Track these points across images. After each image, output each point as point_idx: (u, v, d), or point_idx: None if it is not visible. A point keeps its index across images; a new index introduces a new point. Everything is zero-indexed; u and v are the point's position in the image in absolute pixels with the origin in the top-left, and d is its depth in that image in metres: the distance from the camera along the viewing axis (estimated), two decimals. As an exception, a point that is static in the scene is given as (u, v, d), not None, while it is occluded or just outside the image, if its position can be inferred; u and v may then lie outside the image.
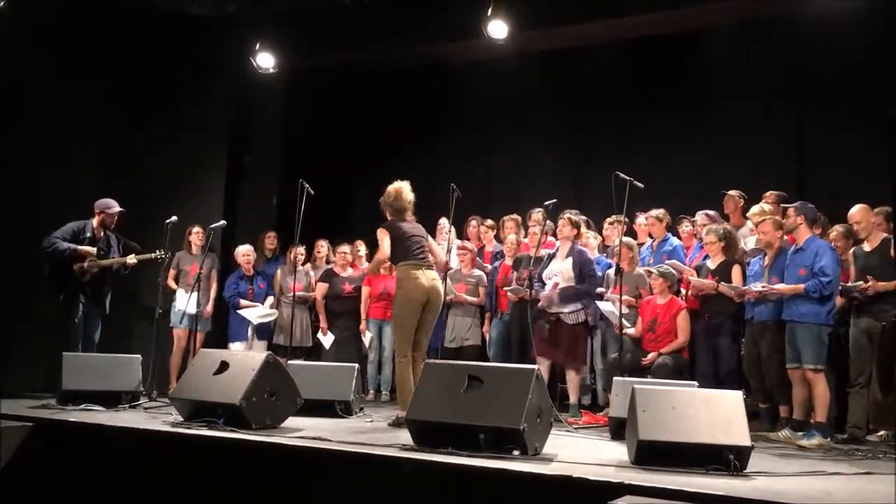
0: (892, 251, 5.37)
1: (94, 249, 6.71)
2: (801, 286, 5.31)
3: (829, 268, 5.28)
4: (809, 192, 7.23)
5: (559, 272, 6.27)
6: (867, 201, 5.65)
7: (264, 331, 7.74)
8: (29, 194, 7.17)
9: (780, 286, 5.44)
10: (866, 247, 5.57)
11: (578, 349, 6.29)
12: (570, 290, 6.21)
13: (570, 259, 6.29)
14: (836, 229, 6.00)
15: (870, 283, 5.30)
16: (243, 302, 7.63)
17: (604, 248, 7.17)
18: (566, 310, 6.21)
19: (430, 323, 5.51)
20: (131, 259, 6.79)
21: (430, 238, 5.72)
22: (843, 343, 5.66)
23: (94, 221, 6.81)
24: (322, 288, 7.76)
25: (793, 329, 5.37)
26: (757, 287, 5.57)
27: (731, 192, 6.92)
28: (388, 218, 5.59)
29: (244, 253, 7.79)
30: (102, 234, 6.85)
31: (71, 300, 6.65)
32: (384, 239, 5.44)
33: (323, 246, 8.14)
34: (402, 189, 5.61)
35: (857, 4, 6.73)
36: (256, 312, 7.58)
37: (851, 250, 5.74)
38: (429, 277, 5.41)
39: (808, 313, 5.30)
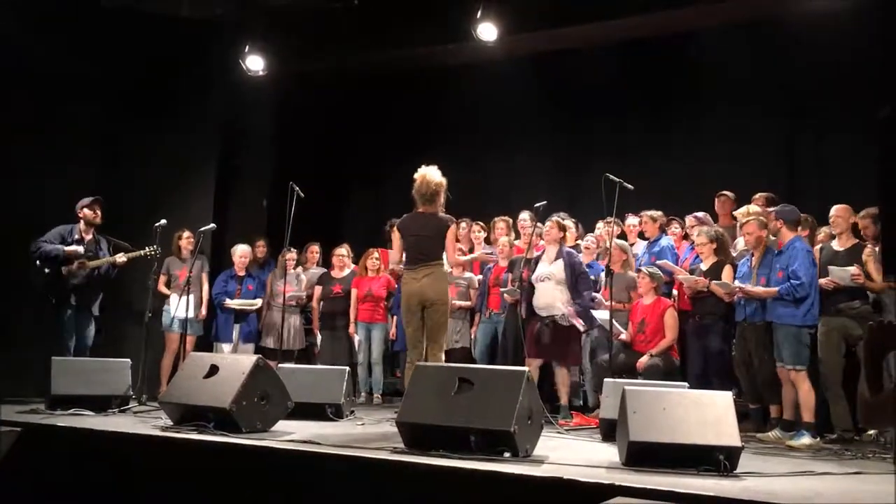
0: (863, 256, 5.38)
1: (80, 249, 6.68)
2: (775, 289, 5.36)
3: (800, 271, 5.30)
4: (800, 193, 7.28)
5: (550, 275, 6.26)
6: (856, 202, 5.67)
7: (250, 334, 7.74)
8: (18, 198, 7.12)
9: (757, 288, 5.50)
10: (836, 245, 5.61)
11: (574, 348, 6.31)
12: (582, 310, 6.17)
13: (560, 261, 6.28)
14: (824, 231, 6.03)
15: (860, 273, 5.28)
16: (228, 301, 7.64)
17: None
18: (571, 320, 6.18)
19: (437, 325, 5.27)
20: (121, 258, 6.76)
21: (446, 233, 5.34)
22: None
23: (81, 223, 6.80)
24: (317, 291, 7.85)
25: (775, 329, 5.42)
26: (739, 285, 5.62)
27: (724, 194, 6.94)
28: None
29: (241, 254, 7.80)
30: (91, 235, 6.82)
31: (60, 303, 6.61)
32: (395, 240, 5.41)
33: (315, 251, 8.14)
34: (416, 178, 5.43)
35: (847, 7, 6.77)
36: (239, 302, 7.65)
37: (819, 245, 5.77)
38: (418, 278, 5.28)
39: (785, 314, 5.34)
